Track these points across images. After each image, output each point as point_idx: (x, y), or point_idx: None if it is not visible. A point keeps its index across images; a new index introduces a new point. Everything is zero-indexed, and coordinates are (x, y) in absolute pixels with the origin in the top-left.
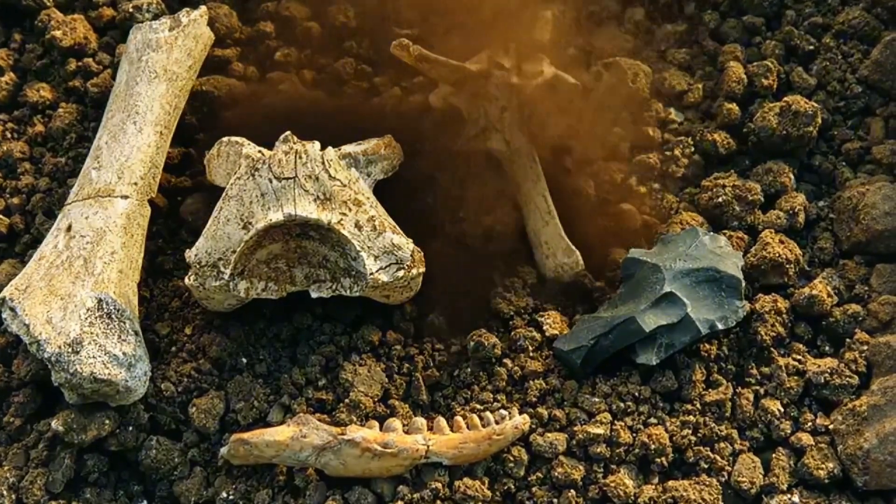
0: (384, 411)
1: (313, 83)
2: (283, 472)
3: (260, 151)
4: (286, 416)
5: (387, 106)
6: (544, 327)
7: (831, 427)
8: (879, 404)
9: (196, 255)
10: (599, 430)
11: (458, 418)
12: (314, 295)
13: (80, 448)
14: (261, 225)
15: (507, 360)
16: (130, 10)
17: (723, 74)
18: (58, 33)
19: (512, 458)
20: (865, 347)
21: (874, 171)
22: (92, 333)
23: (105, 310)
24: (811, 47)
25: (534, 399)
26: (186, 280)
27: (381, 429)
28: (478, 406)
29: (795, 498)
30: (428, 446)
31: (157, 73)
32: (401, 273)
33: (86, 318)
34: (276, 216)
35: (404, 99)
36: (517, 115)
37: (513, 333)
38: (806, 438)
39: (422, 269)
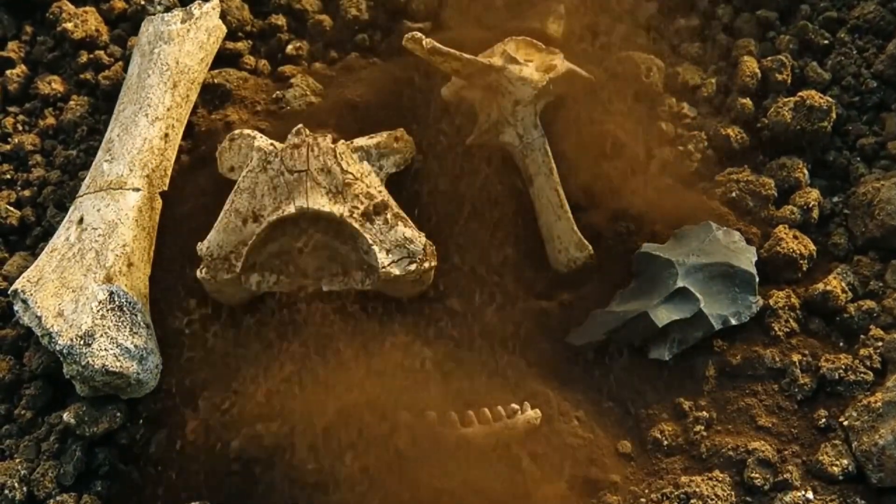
0: None
1: None
2: None
3: (272, 144)
4: None
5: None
6: None
7: (845, 423)
8: (894, 400)
9: (207, 248)
10: None
11: (470, 412)
12: (325, 288)
13: (92, 441)
14: (273, 218)
15: None
16: (142, 2)
17: (736, 69)
18: (69, 25)
19: None
20: (880, 343)
21: (889, 166)
22: (104, 326)
23: (116, 302)
24: (826, 42)
25: None
26: (198, 273)
27: None
28: None
29: (809, 494)
30: None
31: (169, 66)
32: (413, 267)
33: (97, 311)
34: (288, 209)
35: None
36: (530, 108)
37: None
38: (820, 435)
39: (434, 263)
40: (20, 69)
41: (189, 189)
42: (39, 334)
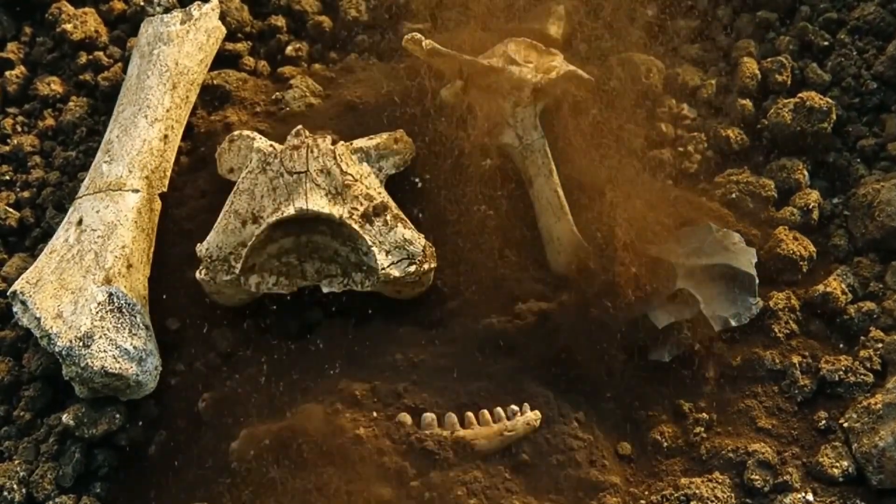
0: None
1: None
2: None
3: (271, 145)
4: None
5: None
6: None
7: (846, 425)
8: (894, 402)
9: (207, 250)
10: None
11: (470, 414)
12: (325, 290)
13: (91, 442)
14: (272, 219)
15: None
16: (141, 3)
17: (736, 70)
18: (68, 26)
19: None
20: (880, 345)
21: (889, 167)
22: (103, 327)
23: (116, 304)
24: (826, 43)
25: None
26: (197, 274)
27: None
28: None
29: (809, 496)
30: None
31: (169, 67)
32: (412, 268)
33: (97, 313)
34: (287, 210)
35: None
36: (530, 110)
37: None
38: (820, 436)
39: (433, 265)
40: (19, 70)
41: (188, 190)
42: (38, 336)
